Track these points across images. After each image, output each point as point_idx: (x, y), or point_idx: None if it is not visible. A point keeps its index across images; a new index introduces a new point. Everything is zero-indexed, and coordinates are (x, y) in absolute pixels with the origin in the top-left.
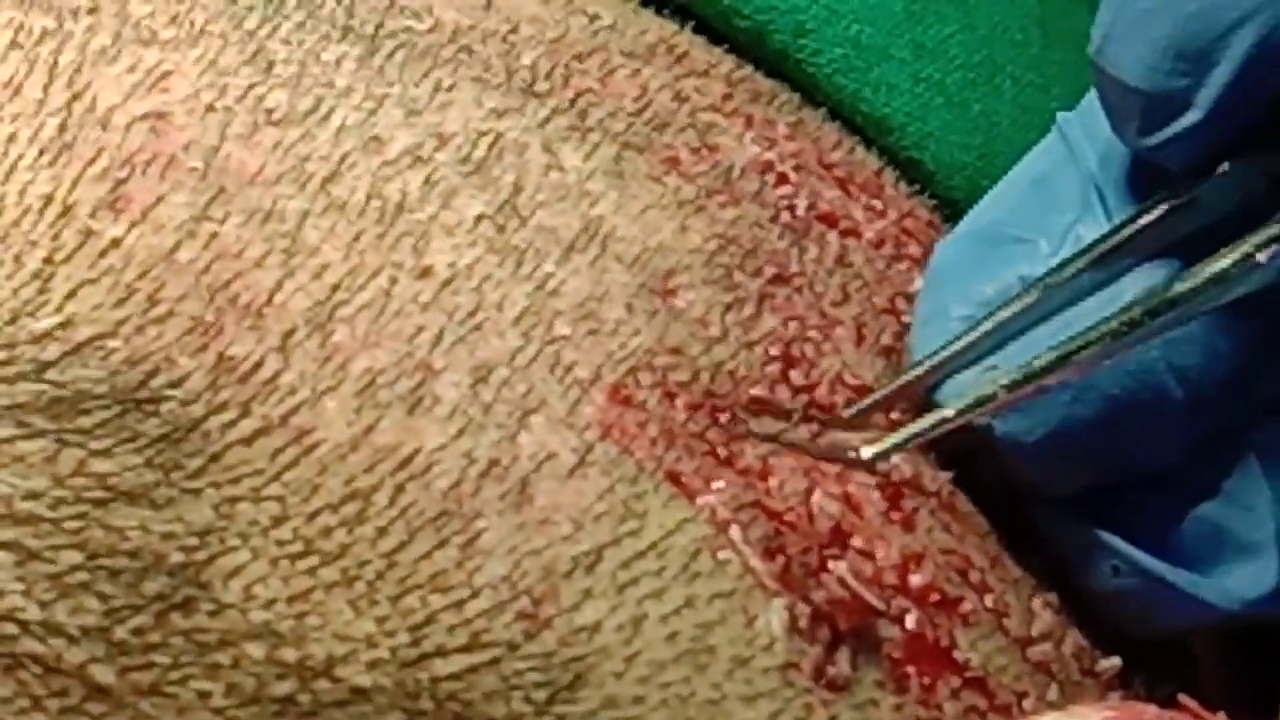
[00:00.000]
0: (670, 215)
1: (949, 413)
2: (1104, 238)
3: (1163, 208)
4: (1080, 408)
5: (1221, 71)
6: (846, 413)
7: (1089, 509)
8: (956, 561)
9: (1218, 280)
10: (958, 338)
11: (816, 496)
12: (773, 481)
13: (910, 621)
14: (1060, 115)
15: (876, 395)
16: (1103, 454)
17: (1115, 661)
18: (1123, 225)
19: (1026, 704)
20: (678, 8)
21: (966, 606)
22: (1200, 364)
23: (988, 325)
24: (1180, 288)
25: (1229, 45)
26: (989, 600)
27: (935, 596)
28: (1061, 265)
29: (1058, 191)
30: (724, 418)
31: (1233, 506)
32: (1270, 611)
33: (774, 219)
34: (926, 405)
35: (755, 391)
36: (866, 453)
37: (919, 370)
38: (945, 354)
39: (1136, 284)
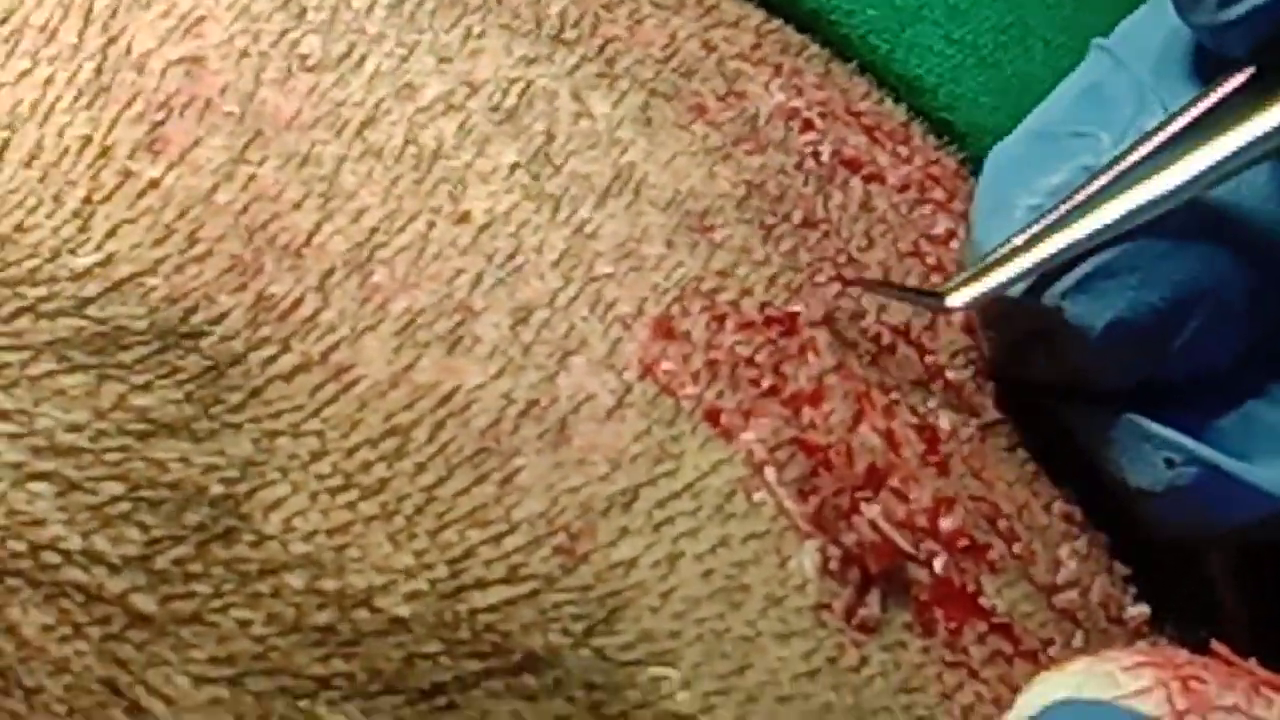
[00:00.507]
0: (699, 162)
1: (1029, 261)
2: (1164, 122)
3: (1222, 92)
4: (1146, 292)
5: None
6: (937, 289)
7: (1143, 404)
8: (985, 508)
9: None
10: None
11: (861, 429)
12: (822, 408)
13: (939, 565)
14: (1097, 40)
15: (965, 274)
16: (1165, 342)
17: (1143, 609)
18: (1188, 106)
19: (1052, 650)
20: None
21: (994, 553)
22: (1262, 254)
23: (1066, 207)
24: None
25: None
26: (1016, 548)
27: (964, 542)
28: (1125, 151)
29: (1111, 95)
30: (777, 332)
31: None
32: None
33: (799, 165)
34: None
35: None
36: (953, 300)
37: (1007, 249)
38: (1027, 236)
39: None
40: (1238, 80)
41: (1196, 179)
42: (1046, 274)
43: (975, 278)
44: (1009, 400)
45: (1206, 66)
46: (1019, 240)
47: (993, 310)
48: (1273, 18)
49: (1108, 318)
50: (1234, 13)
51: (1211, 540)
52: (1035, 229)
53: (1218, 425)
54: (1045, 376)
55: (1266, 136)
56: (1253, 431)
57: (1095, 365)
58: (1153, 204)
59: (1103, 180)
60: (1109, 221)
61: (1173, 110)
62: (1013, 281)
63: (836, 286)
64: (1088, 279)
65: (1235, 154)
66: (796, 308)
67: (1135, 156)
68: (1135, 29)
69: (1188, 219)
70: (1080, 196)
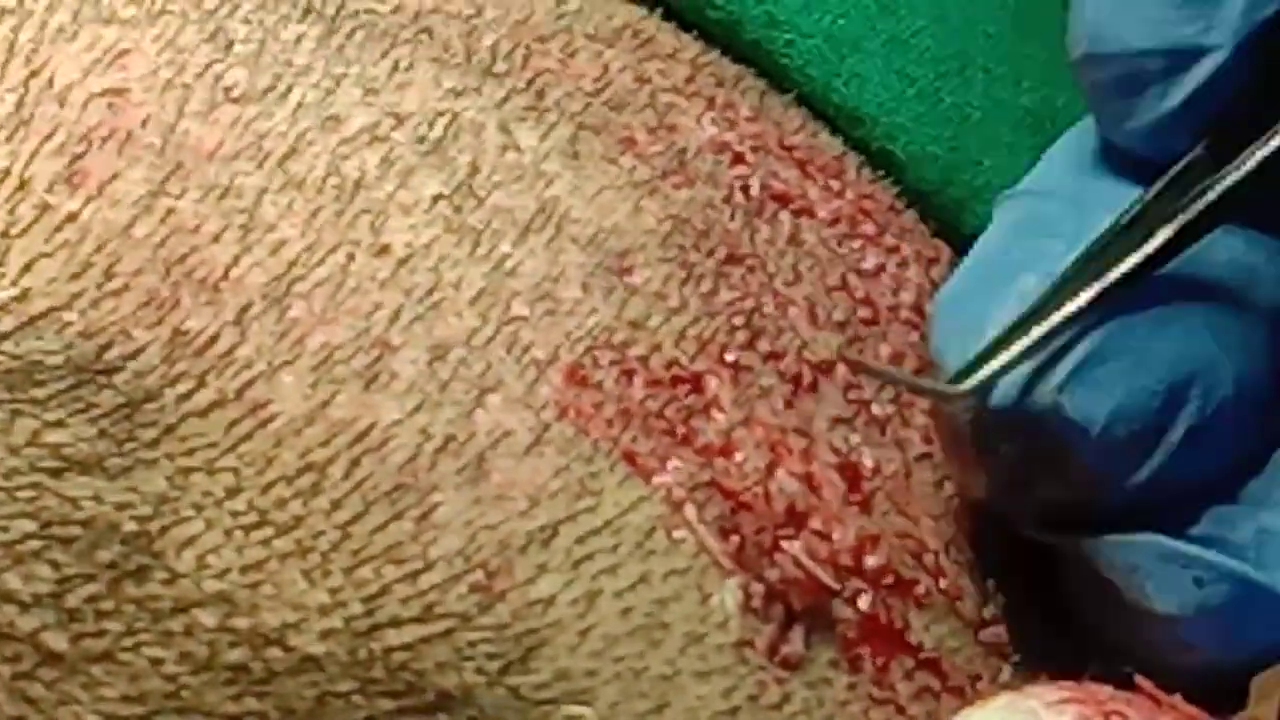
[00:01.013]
0: (625, 196)
1: (1039, 331)
2: (1130, 207)
3: (1183, 161)
4: (1142, 376)
5: (1233, 4)
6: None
7: (1158, 525)
8: (911, 545)
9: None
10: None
11: (778, 475)
12: (735, 458)
13: (864, 602)
14: (1001, 195)
15: (970, 358)
16: (1166, 431)
17: (1068, 645)
18: (1145, 193)
19: (980, 686)
20: None
21: (920, 589)
22: (1244, 339)
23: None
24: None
25: None
26: (943, 583)
27: (890, 579)
28: (1091, 246)
29: (1046, 217)
30: (685, 389)
31: None
32: None
33: (727, 199)
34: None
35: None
36: (966, 384)
37: (1008, 328)
38: (1027, 310)
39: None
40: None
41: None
42: (1036, 377)
43: (981, 362)
44: (934, 434)
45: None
46: (1014, 324)
47: (985, 441)
48: (1222, 87)
49: (1109, 407)
50: (1178, 98)
51: (1242, 666)
52: (1031, 310)
53: (1233, 541)
54: (1050, 497)
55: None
56: (1267, 544)
57: (1102, 464)
58: (1145, 263)
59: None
60: (1103, 288)
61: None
62: (1025, 355)
63: (751, 331)
64: (1081, 369)
65: (1198, 218)
66: (701, 367)
67: (1111, 233)
68: (1036, 176)
69: (1165, 298)
70: (1066, 275)
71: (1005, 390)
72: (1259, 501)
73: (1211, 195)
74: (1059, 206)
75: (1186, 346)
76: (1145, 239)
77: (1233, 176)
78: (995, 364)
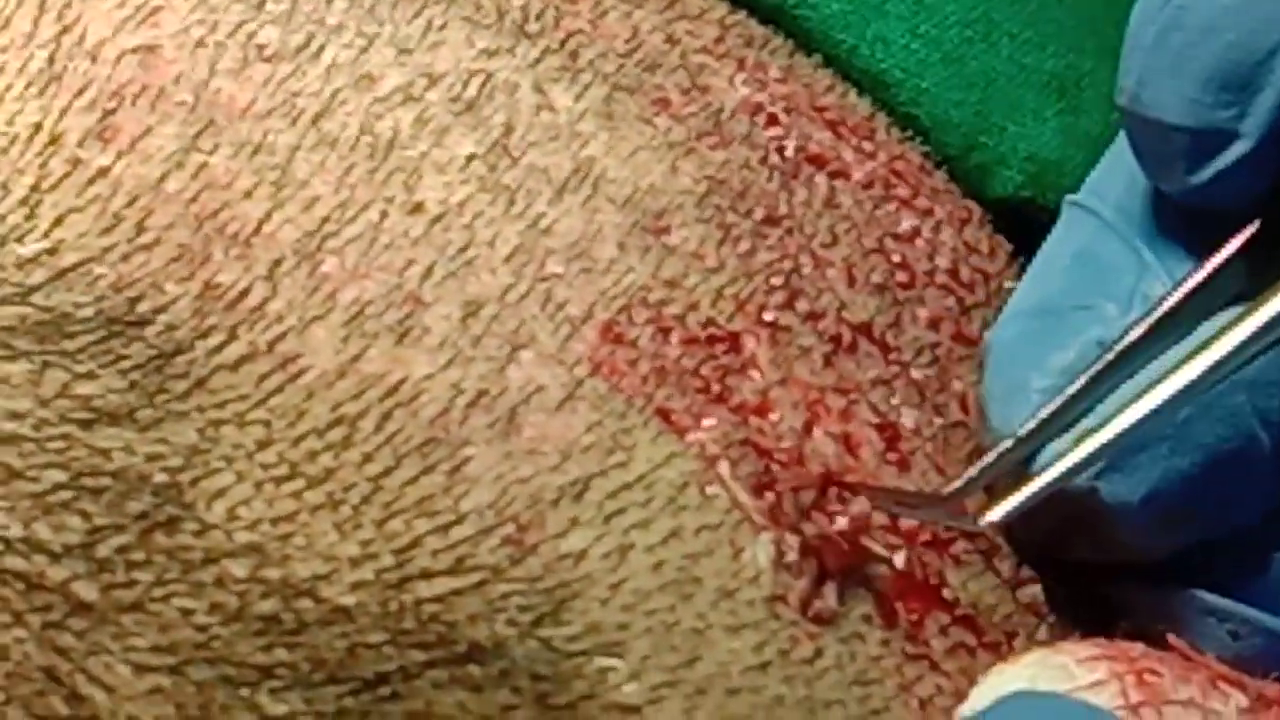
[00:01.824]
0: (660, 157)
1: (1059, 470)
2: (1173, 289)
3: (1229, 250)
4: (1178, 459)
5: (1267, 96)
6: (946, 491)
7: (1193, 576)
8: None
9: None
10: (1042, 407)
11: (815, 434)
12: (770, 417)
13: (899, 560)
14: (1070, 198)
15: (974, 471)
16: (1202, 506)
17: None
18: (1189, 276)
19: (1016, 643)
20: None
21: (958, 547)
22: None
23: (1073, 390)
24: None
25: (1272, 70)
26: (980, 541)
27: (926, 536)
28: (1134, 324)
29: (1106, 259)
30: (722, 348)
31: None
32: None
33: (763, 161)
34: (1019, 477)
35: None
36: (985, 520)
37: (1014, 440)
38: (1035, 423)
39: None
40: (1240, 240)
41: (1219, 365)
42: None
43: (1008, 490)
44: (972, 400)
45: (1200, 221)
46: (1033, 430)
47: (1028, 518)
48: (1245, 174)
49: (1143, 492)
50: (1202, 177)
51: None
52: (1053, 418)
53: (1263, 591)
54: (1090, 556)
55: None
56: None
57: (1137, 540)
58: (1180, 395)
59: (1110, 359)
60: (1137, 418)
61: (1176, 277)
62: (1047, 489)
63: (789, 291)
64: (1118, 456)
65: (1253, 337)
66: (739, 326)
67: (1141, 329)
68: (1105, 179)
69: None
70: (1085, 380)
71: (1042, 463)
72: None
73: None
74: (1119, 250)
75: (1226, 427)
76: (1187, 347)
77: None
78: (1025, 494)
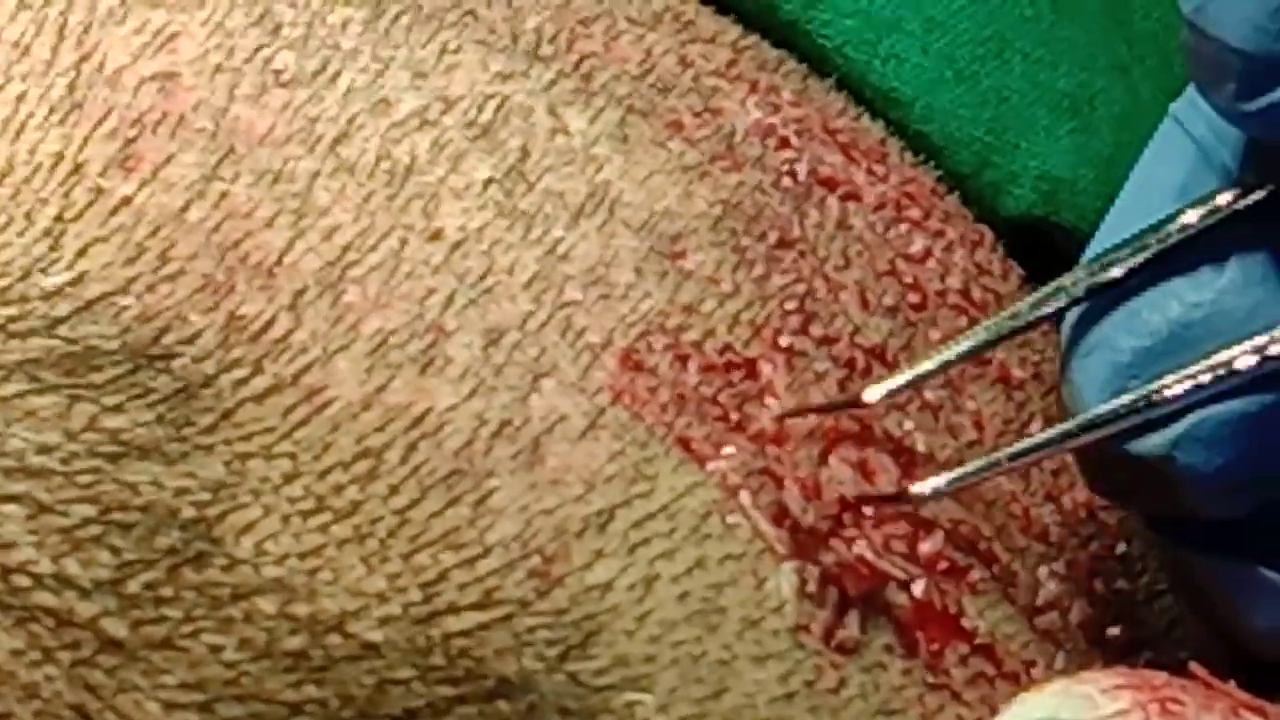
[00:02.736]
0: (675, 180)
1: (1000, 455)
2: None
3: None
4: (1255, 434)
5: None
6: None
7: (1255, 546)
8: (965, 531)
9: None
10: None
11: (831, 462)
12: (786, 447)
13: (918, 589)
14: (1173, 106)
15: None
16: (1274, 474)
17: (1123, 631)
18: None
19: (1035, 672)
20: None
21: (974, 575)
22: None
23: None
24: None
25: None
26: (996, 570)
27: (944, 564)
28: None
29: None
30: (739, 375)
31: None
32: None
33: (775, 184)
34: None
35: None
36: (914, 490)
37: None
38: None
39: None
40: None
41: None
42: (1151, 422)
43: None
44: (985, 420)
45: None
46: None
47: (1096, 457)
48: None
49: (1218, 463)
50: (1253, 106)
51: None
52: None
53: None
54: (1156, 512)
55: None
56: None
57: (1207, 505)
58: None
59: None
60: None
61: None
62: (981, 471)
63: (804, 315)
64: (1197, 426)
65: None
66: (755, 352)
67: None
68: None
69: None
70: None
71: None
72: None
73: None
74: (1181, 148)
75: None
76: None
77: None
78: (959, 472)
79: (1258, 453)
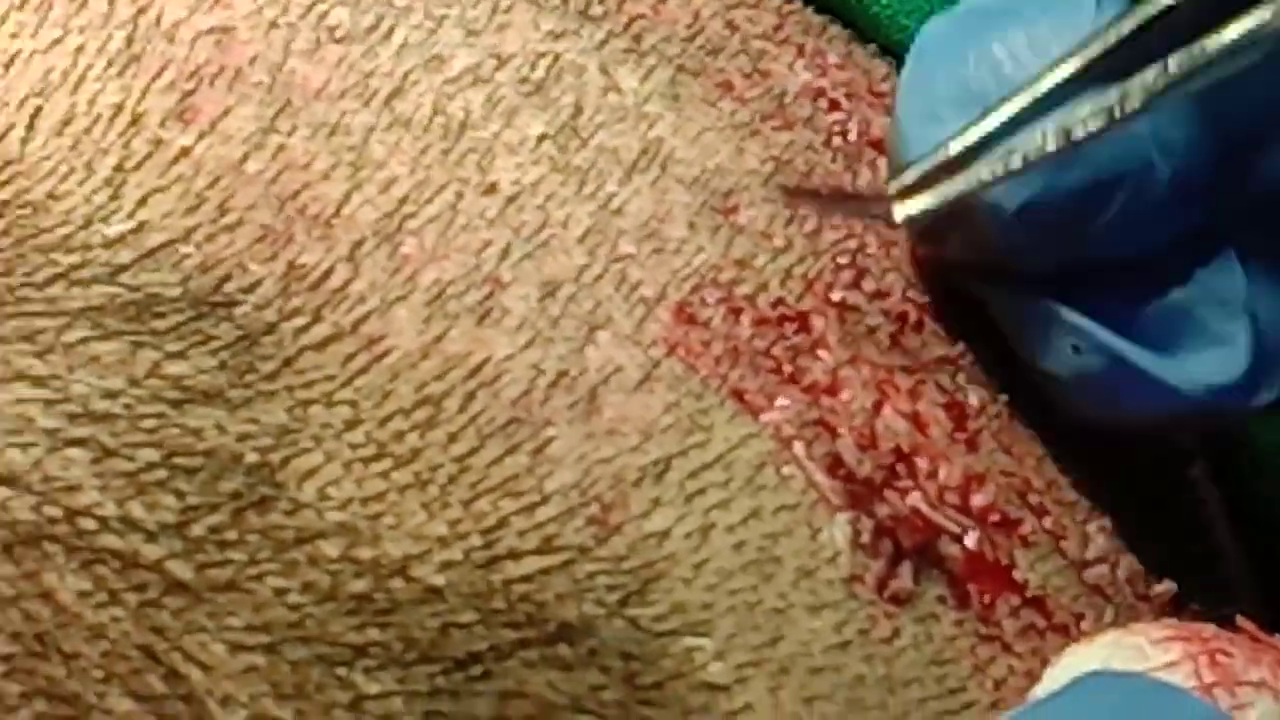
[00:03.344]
0: (726, 138)
1: (982, 174)
2: (1108, 26)
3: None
4: (1064, 173)
5: None
6: (881, 192)
7: (1053, 287)
8: (1017, 484)
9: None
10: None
11: (884, 413)
12: (841, 397)
13: (971, 540)
14: None
15: (909, 176)
16: (1080, 227)
17: (1170, 585)
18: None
19: (1084, 625)
20: None
21: (1026, 528)
22: (1188, 142)
23: (1011, 110)
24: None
25: None
26: (1047, 523)
27: (996, 517)
28: (1068, 56)
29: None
30: (792, 328)
31: (1206, 297)
32: (1233, 404)
33: (826, 143)
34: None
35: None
36: (898, 214)
37: (958, 152)
38: (977, 136)
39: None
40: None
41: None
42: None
43: (920, 188)
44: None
45: None
46: (958, 147)
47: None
48: None
49: (1021, 198)
50: None
51: (1123, 429)
52: (973, 137)
53: (1134, 311)
54: (963, 256)
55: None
56: (1171, 318)
57: (1009, 245)
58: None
59: (1047, 87)
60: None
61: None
62: (960, 191)
63: (856, 270)
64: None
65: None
66: (807, 305)
67: (1076, 64)
68: None
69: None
70: (1023, 104)
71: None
72: (1176, 278)
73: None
74: None
75: (1120, 148)
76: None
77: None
78: (934, 199)
79: (1065, 198)
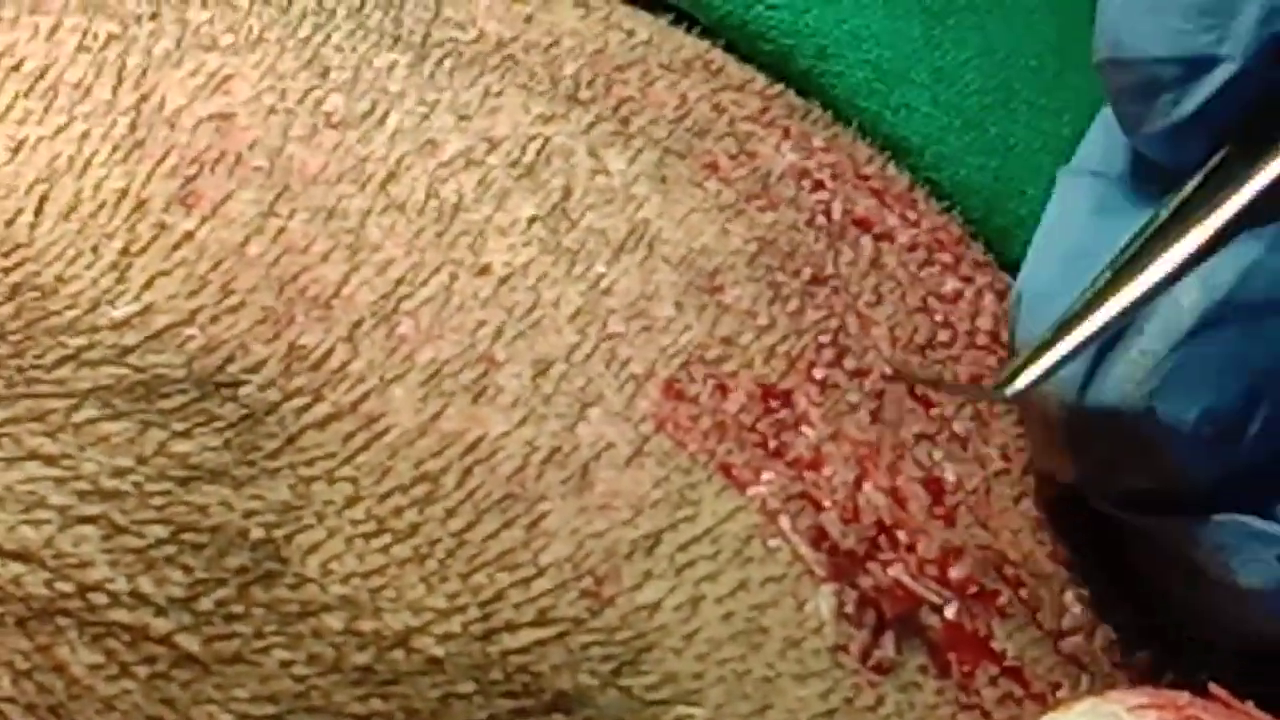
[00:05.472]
0: (712, 218)
1: (1078, 338)
2: (1159, 212)
3: (1210, 164)
4: (1230, 378)
5: (1247, 15)
6: (985, 384)
7: (1233, 500)
8: (993, 557)
9: None
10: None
11: (865, 488)
12: (824, 471)
13: (950, 611)
14: (1063, 169)
15: (1012, 365)
16: (1254, 426)
17: (1146, 654)
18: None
19: (1061, 693)
20: (705, 29)
21: (1002, 599)
22: None
23: (1092, 292)
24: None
25: None
26: (1023, 594)
27: (973, 589)
28: (1138, 235)
29: (1126, 205)
30: (776, 404)
31: None
32: None
33: (810, 222)
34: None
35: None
36: (1009, 391)
37: (1050, 333)
38: (1067, 315)
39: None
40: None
41: (1202, 248)
42: (1129, 379)
43: (1024, 366)
44: (1013, 451)
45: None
46: (1058, 324)
47: (1075, 434)
48: (1233, 98)
49: (1197, 410)
50: (1191, 106)
51: None
52: (1069, 316)
53: None
54: (1137, 484)
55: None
56: None
57: (1190, 459)
58: (1173, 274)
59: (1124, 259)
60: (1141, 292)
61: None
62: (1064, 362)
63: (837, 349)
64: (1172, 376)
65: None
66: (791, 383)
67: (1149, 232)
68: (1103, 150)
69: (1258, 297)
70: (1103, 281)
71: (1101, 392)
72: None
73: (1242, 198)
74: (1135, 195)
75: (1270, 344)
76: (1177, 239)
77: (1262, 179)
78: (1037, 370)
79: (1237, 402)
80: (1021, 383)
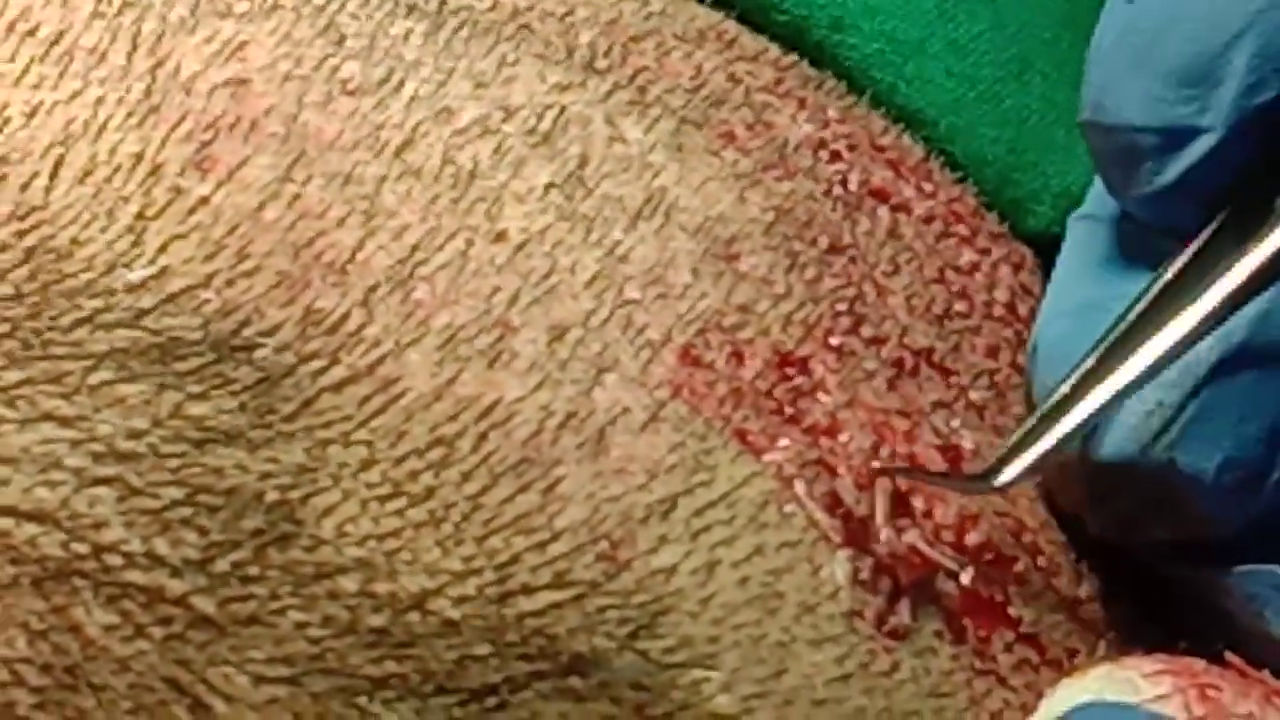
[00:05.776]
0: (729, 187)
1: (1068, 426)
2: (1168, 266)
3: (1201, 239)
4: (1248, 425)
5: (1228, 89)
6: (972, 471)
7: (1260, 552)
8: (1010, 524)
9: None
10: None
11: (882, 455)
12: (840, 438)
13: (966, 577)
14: (1074, 214)
15: (1001, 450)
16: (1267, 474)
17: (1159, 623)
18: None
19: (1077, 659)
20: (718, 0)
21: (1020, 566)
22: None
23: (1087, 365)
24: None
25: (1230, 62)
26: (1040, 561)
27: (990, 555)
28: (1137, 300)
29: (1135, 253)
30: (793, 371)
31: None
32: None
33: (827, 193)
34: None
35: (834, 341)
36: (998, 481)
37: (1037, 418)
38: (1057, 398)
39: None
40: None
41: (1198, 327)
42: (1147, 432)
43: (1015, 453)
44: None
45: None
46: (1045, 409)
47: (1098, 490)
48: (1212, 169)
49: (1218, 460)
50: (1172, 175)
51: None
52: (1058, 397)
53: None
54: (1161, 535)
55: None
56: None
57: (1213, 509)
58: (1167, 355)
59: (1114, 336)
60: (1137, 373)
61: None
62: (1057, 449)
63: (854, 317)
64: (1191, 426)
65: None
66: (807, 350)
67: (1140, 308)
68: (1104, 199)
69: (1265, 345)
70: (1092, 360)
71: (1119, 446)
72: None
73: (1239, 276)
74: (1145, 243)
75: None
76: (1173, 316)
77: (1254, 260)
78: (1030, 458)
79: (1257, 448)
80: (1010, 473)
